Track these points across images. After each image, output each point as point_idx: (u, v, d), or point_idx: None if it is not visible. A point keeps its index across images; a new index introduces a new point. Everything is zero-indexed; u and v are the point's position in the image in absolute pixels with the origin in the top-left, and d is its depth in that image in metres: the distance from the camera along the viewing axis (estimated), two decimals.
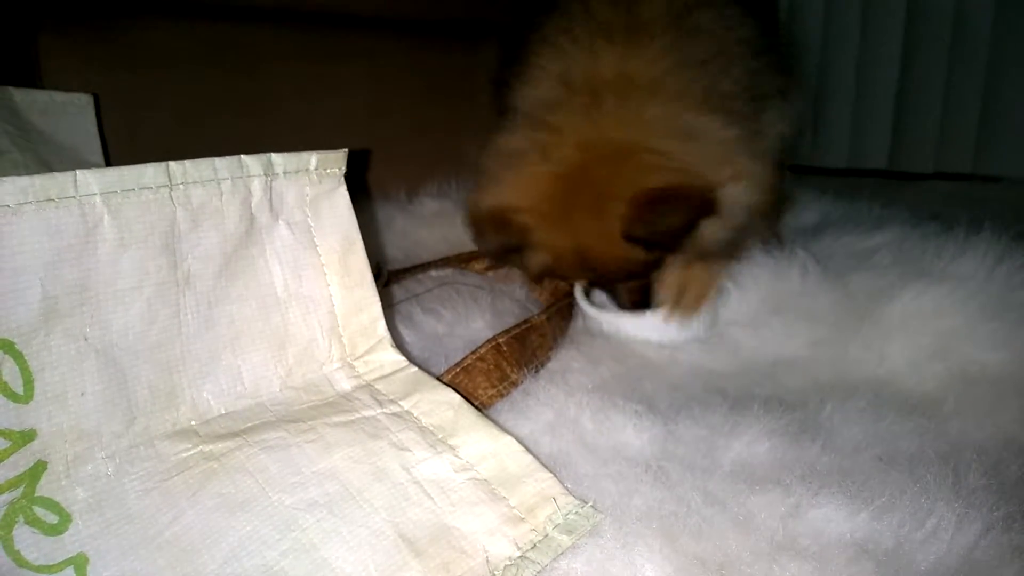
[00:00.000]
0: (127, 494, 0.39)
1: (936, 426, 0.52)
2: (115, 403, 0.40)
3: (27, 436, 0.37)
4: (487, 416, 0.48)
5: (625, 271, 0.71)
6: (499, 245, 0.71)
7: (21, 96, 0.65)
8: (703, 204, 0.65)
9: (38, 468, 0.37)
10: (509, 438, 0.46)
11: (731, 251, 0.76)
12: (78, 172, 0.38)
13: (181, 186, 0.43)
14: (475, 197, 0.72)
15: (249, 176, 0.46)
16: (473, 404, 0.50)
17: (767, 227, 0.87)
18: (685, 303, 0.72)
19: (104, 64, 0.81)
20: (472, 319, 0.73)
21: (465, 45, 1.05)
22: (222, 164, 0.45)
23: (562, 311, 0.73)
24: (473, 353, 0.58)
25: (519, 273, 0.81)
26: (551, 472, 0.45)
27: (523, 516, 0.42)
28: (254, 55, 0.92)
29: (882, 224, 0.81)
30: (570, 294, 0.76)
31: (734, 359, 0.67)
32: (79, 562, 0.37)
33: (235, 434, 0.43)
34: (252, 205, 0.47)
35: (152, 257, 0.41)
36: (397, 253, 0.93)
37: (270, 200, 0.48)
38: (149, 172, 0.41)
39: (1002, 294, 0.62)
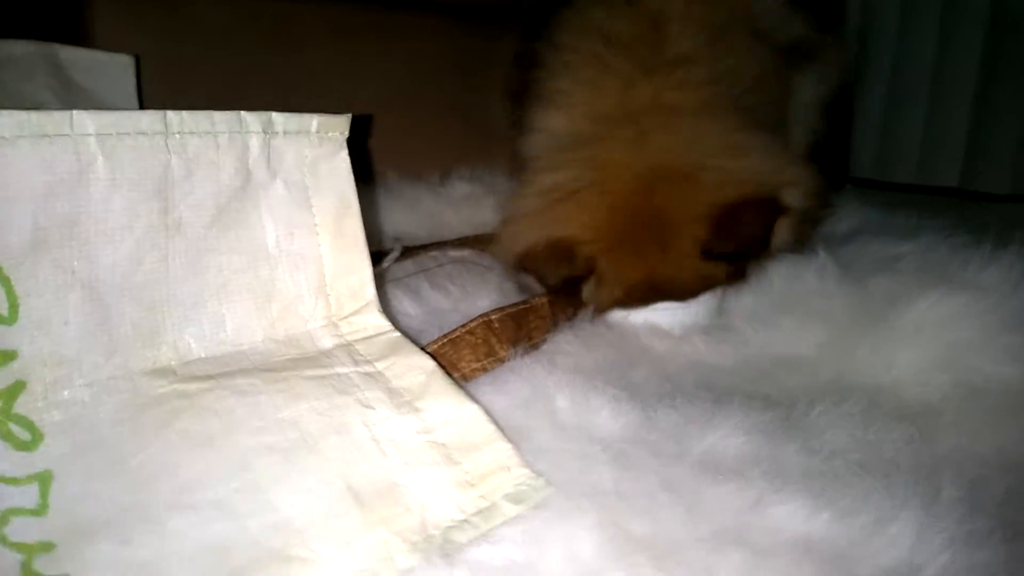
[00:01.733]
0: (100, 421, 0.41)
1: (925, 437, 0.50)
2: (97, 335, 0.43)
3: (8, 356, 0.39)
4: (459, 385, 0.49)
5: (705, 290, 0.70)
6: (562, 278, 0.68)
7: (66, 53, 0.68)
8: (777, 208, 0.66)
9: (16, 387, 0.40)
10: (475, 407, 0.47)
11: None
12: (74, 112, 0.40)
13: (177, 135, 0.45)
14: (515, 230, 0.70)
15: (248, 132, 0.48)
16: (449, 374, 0.51)
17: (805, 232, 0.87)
18: None
19: (153, 32, 0.85)
20: (479, 297, 0.74)
21: (504, 28, 1.05)
22: (220, 117, 0.47)
23: (568, 296, 0.73)
24: (463, 326, 0.59)
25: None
26: (511, 444, 0.45)
27: (474, 483, 0.43)
28: (295, 31, 0.95)
29: (913, 234, 0.78)
30: None
31: (736, 355, 0.66)
32: (44, 478, 0.39)
33: (211, 377, 0.45)
34: (249, 160, 0.48)
35: (143, 200, 0.43)
36: (421, 232, 0.95)
37: (268, 157, 0.49)
38: (146, 118, 0.43)
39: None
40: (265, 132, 0.49)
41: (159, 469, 0.40)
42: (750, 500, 0.42)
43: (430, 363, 0.50)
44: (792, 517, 0.41)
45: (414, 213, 1.02)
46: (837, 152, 1.54)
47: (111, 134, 0.41)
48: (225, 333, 0.48)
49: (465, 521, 0.41)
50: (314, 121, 0.51)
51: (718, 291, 0.73)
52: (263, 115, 0.49)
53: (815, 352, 0.64)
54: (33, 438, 0.40)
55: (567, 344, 0.65)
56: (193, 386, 0.44)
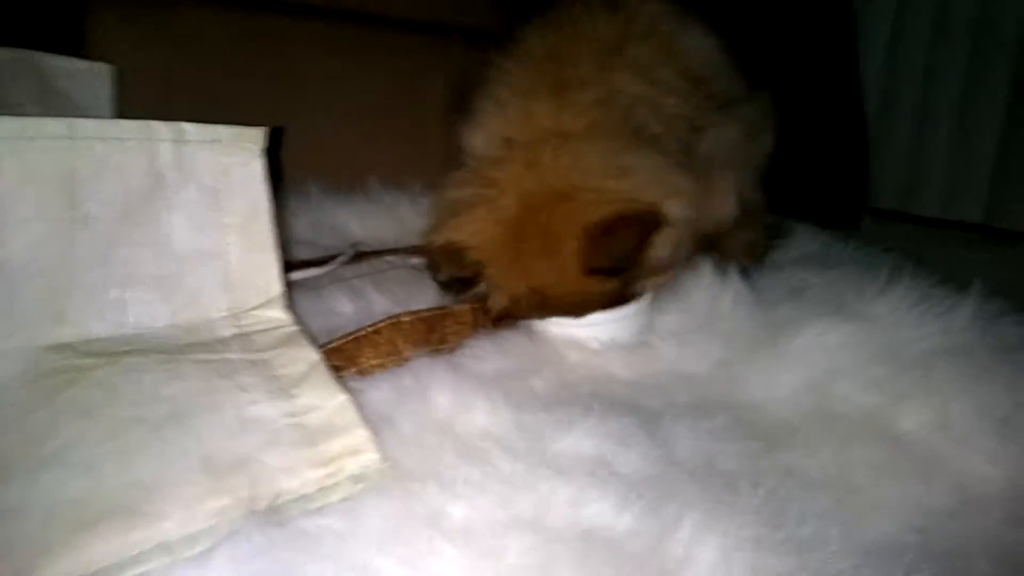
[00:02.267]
0: (3, 388, 0.47)
1: (768, 452, 0.53)
2: (3, 311, 0.48)
3: None
4: (337, 378, 0.54)
5: (592, 305, 0.73)
6: (451, 277, 0.74)
7: (46, 60, 0.75)
8: (650, 220, 0.68)
9: None
10: (344, 397, 0.51)
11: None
12: None
13: (83, 140, 0.50)
14: (429, 236, 0.76)
15: (158, 140, 0.54)
16: (338, 367, 0.55)
17: (748, 253, 0.89)
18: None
19: (147, 43, 0.92)
20: (420, 302, 0.78)
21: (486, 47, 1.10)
22: (130, 126, 0.52)
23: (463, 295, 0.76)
24: (371, 325, 0.63)
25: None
26: (369, 431, 0.50)
27: (325, 463, 0.48)
28: (284, 44, 1.01)
29: (835, 263, 0.81)
30: None
31: (643, 369, 0.69)
32: None
33: (106, 354, 0.51)
34: (159, 165, 0.54)
35: (50, 195, 0.49)
36: (389, 237, 1.00)
37: (180, 163, 0.55)
38: (50, 124, 0.49)
39: (901, 339, 0.62)
40: (176, 140, 0.54)
41: (43, 431, 0.46)
42: (568, 496, 0.46)
43: (315, 356, 0.54)
44: (596, 513, 0.44)
45: (390, 220, 1.07)
46: (850, 186, 1.55)
47: (18, 137, 0.47)
48: (126, 317, 0.53)
49: (306, 496, 0.46)
50: (226, 131, 0.57)
51: (643, 310, 0.76)
52: (174, 125, 0.54)
53: (712, 370, 0.67)
54: None
55: (480, 350, 0.69)
56: (88, 361, 0.50)
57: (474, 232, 0.70)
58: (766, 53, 0.99)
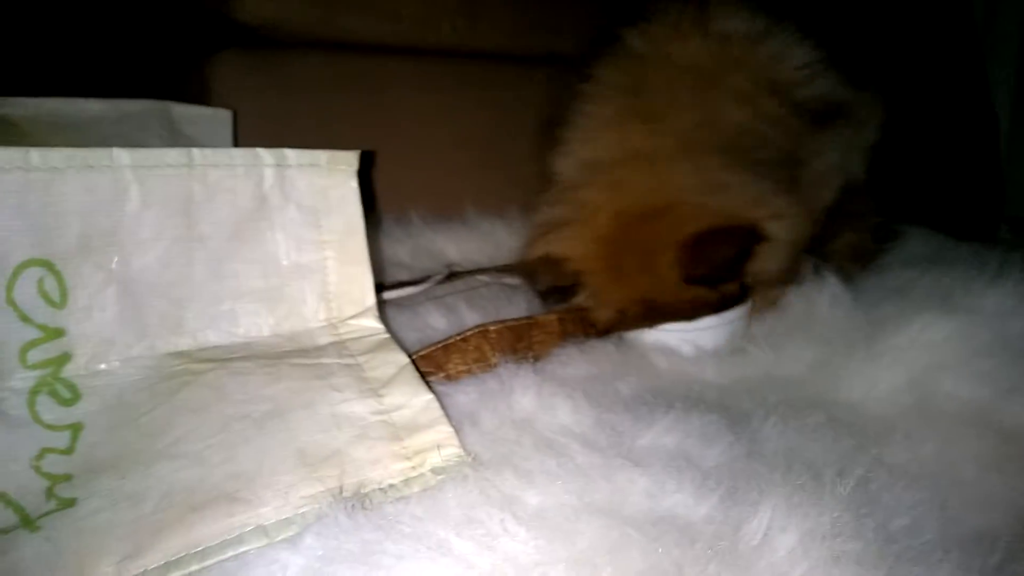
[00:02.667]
0: (125, 388, 0.53)
1: (862, 447, 0.51)
2: (130, 322, 0.54)
3: (58, 332, 0.51)
4: (424, 379, 0.56)
5: (701, 312, 0.74)
6: (550, 286, 0.77)
7: (175, 109, 0.84)
8: (748, 233, 0.69)
9: (64, 358, 0.52)
10: (430, 396, 0.54)
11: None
12: (114, 148, 0.52)
13: (200, 167, 0.56)
14: (526, 250, 0.80)
15: (263, 165, 0.59)
16: (424, 372, 0.58)
17: (853, 257, 0.87)
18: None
19: (260, 88, 1.00)
20: (509, 316, 0.81)
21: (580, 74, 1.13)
22: (238, 153, 0.58)
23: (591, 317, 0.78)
24: (459, 334, 0.66)
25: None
26: (452, 428, 0.52)
27: (409, 456, 0.50)
28: (384, 84, 1.07)
29: (946, 262, 0.77)
30: None
31: (735, 374, 0.69)
32: (76, 428, 0.50)
33: (217, 360, 0.56)
34: (265, 188, 0.59)
35: (170, 216, 0.55)
36: (484, 261, 1.03)
37: (282, 185, 0.60)
38: (172, 154, 0.55)
39: (1009, 331, 0.59)
40: (279, 165, 0.60)
41: (160, 427, 0.51)
42: (646, 486, 0.46)
43: (403, 359, 0.58)
44: (674, 503, 0.44)
45: (487, 244, 1.10)
46: (984, 194, 1.47)
47: (143, 166, 0.53)
48: (236, 327, 0.58)
49: (391, 485, 0.48)
50: (324, 156, 0.61)
51: (743, 316, 0.76)
52: (277, 151, 0.59)
53: (806, 372, 0.66)
54: (72, 397, 0.51)
55: (567, 357, 0.71)
56: (202, 366, 0.55)
57: (571, 247, 0.73)
58: (877, 55, 0.97)
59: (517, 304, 0.84)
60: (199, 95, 0.94)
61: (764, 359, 0.70)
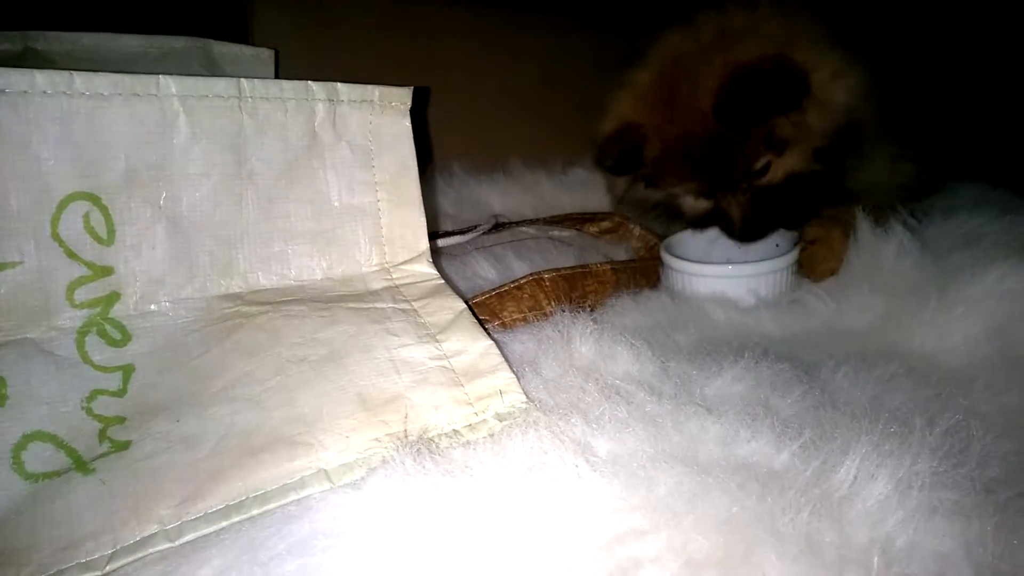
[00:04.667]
0: (176, 330, 0.51)
1: (944, 397, 0.49)
2: (179, 261, 0.52)
3: (107, 271, 0.50)
4: (482, 325, 0.54)
5: (721, 161, 0.74)
6: (618, 154, 0.79)
7: (217, 47, 0.81)
8: (792, 78, 0.69)
9: (112, 297, 0.50)
10: (489, 342, 0.52)
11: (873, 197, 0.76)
12: (160, 76, 0.50)
13: (249, 99, 0.54)
14: (599, 123, 0.83)
15: (314, 99, 0.56)
16: (481, 317, 0.56)
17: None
18: (817, 267, 0.75)
19: (303, 32, 0.97)
20: (557, 265, 0.78)
21: (632, 28, 1.10)
22: (289, 85, 0.55)
23: (644, 270, 0.76)
24: (512, 282, 0.64)
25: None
26: (513, 374, 0.50)
27: (471, 402, 0.48)
28: (428, 30, 1.04)
29: (1016, 210, 0.73)
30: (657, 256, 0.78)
31: (795, 326, 0.66)
32: (128, 370, 0.49)
33: (270, 303, 0.54)
34: (315, 124, 0.57)
35: (219, 151, 0.53)
36: (529, 213, 1.00)
37: (334, 122, 0.57)
38: (221, 83, 0.52)
39: None
40: (331, 100, 0.57)
41: (213, 369, 0.49)
42: (719, 434, 0.44)
43: (460, 304, 0.55)
44: (751, 451, 0.42)
45: (531, 196, 1.08)
46: None
47: (192, 96, 0.51)
48: (288, 270, 0.56)
49: (455, 431, 0.46)
50: (376, 91, 0.59)
51: (789, 267, 0.73)
52: (328, 85, 0.57)
53: (873, 323, 0.63)
54: (123, 338, 0.50)
55: (622, 307, 0.69)
56: (254, 308, 0.53)
57: (633, 98, 0.77)
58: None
59: (566, 255, 0.82)
60: (239, 37, 0.91)
61: (826, 311, 0.68)
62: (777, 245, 0.78)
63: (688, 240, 0.81)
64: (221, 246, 0.54)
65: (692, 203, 0.80)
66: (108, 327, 0.49)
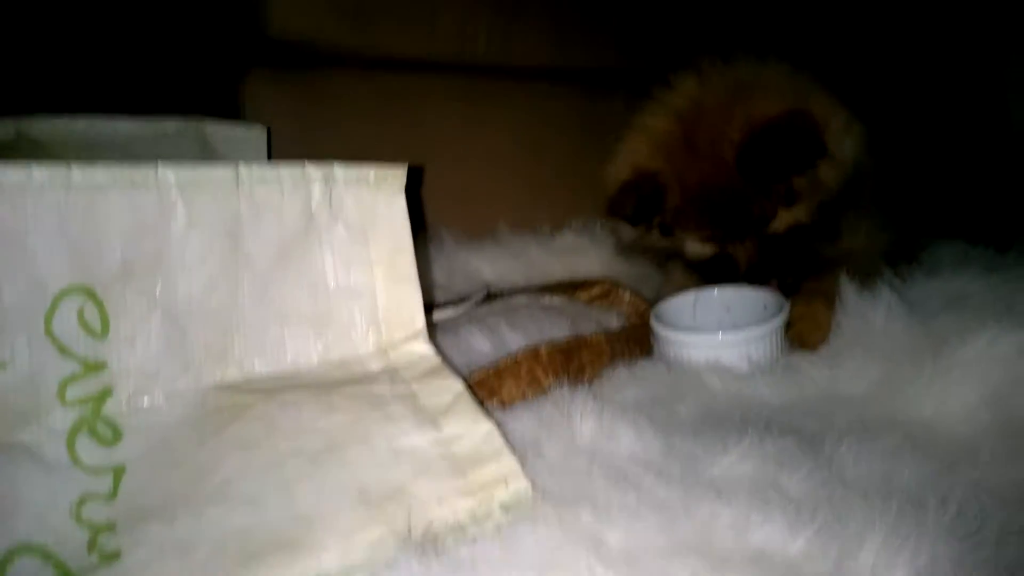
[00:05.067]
0: (169, 425, 0.50)
1: (951, 471, 0.49)
2: (174, 352, 0.51)
3: (99, 366, 0.48)
4: (482, 406, 0.54)
5: (740, 213, 0.75)
6: (636, 200, 0.79)
7: (209, 127, 0.82)
8: (814, 136, 0.71)
9: (104, 393, 0.49)
10: (490, 425, 0.51)
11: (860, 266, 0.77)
12: (159, 165, 0.50)
13: (247, 184, 0.53)
14: (608, 169, 0.84)
15: (310, 181, 0.56)
16: (481, 397, 0.55)
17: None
18: (806, 341, 0.74)
19: (294, 105, 0.98)
20: (551, 336, 0.78)
21: (616, 92, 1.12)
22: (286, 169, 0.55)
23: (637, 338, 0.76)
24: (510, 357, 0.63)
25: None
26: (516, 459, 0.49)
27: (474, 491, 0.47)
28: (416, 101, 1.05)
29: (997, 268, 0.75)
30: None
31: (792, 393, 0.66)
32: (119, 471, 0.47)
33: (266, 391, 0.53)
34: (312, 205, 0.56)
35: (216, 238, 0.52)
36: (519, 279, 1.00)
37: (330, 202, 0.57)
38: (219, 170, 0.52)
39: None
40: (326, 181, 0.57)
41: (209, 466, 0.48)
42: (732, 520, 0.43)
43: (459, 385, 0.55)
44: (765, 537, 0.41)
45: (519, 263, 1.08)
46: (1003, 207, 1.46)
47: (190, 184, 0.51)
48: (284, 355, 0.55)
49: (458, 524, 0.45)
50: (371, 172, 0.59)
51: (777, 330, 0.73)
52: (324, 166, 0.57)
53: (869, 389, 0.63)
54: (114, 436, 0.48)
55: (619, 380, 0.68)
56: (250, 398, 0.52)
57: (651, 144, 0.77)
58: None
59: (559, 324, 0.82)
60: (231, 114, 0.92)
61: (821, 377, 0.68)
62: (765, 307, 0.79)
63: (674, 306, 0.81)
64: (217, 334, 0.53)
65: (698, 248, 0.81)
66: (99, 425, 0.48)
